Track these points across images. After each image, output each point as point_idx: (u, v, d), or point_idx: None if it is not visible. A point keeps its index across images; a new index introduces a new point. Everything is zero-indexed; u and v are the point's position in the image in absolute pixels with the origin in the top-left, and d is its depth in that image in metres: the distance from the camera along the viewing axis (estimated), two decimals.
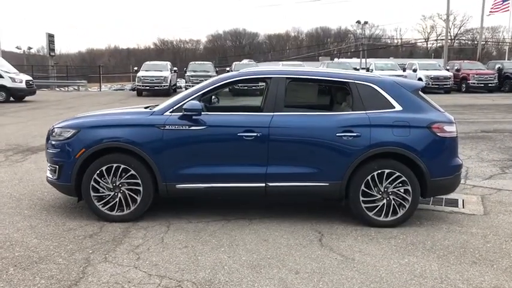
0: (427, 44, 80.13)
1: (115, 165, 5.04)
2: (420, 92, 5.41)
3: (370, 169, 5.01)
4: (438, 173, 5.06)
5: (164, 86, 25.26)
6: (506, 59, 44.52)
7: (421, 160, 4.99)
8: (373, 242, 4.67)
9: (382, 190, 5.04)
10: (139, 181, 5.06)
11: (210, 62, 34.79)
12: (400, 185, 5.04)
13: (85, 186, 5.06)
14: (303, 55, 70.08)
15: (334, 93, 6.10)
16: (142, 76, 25.69)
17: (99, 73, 39.99)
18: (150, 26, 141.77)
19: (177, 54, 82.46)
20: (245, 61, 37.55)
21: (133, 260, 4.15)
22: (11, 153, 9.11)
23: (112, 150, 5.08)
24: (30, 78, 23.95)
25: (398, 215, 5.06)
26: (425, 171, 5.00)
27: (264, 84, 5.97)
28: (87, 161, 5.06)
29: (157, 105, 5.46)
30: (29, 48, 65.01)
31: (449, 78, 27.74)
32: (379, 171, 5.00)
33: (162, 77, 25.47)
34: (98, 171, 5.05)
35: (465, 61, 33.40)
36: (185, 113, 5.04)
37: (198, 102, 5.10)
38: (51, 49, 41.69)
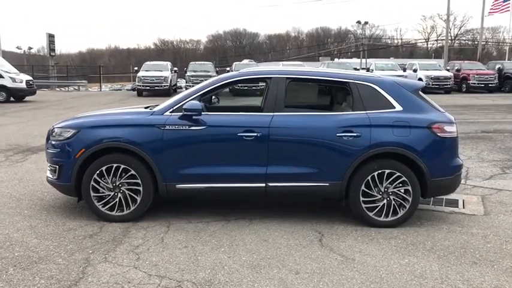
0: (427, 44, 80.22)
1: (115, 165, 5.04)
2: (420, 92, 5.41)
3: (371, 169, 5.00)
4: (438, 173, 5.05)
5: (164, 86, 25.25)
6: (506, 59, 44.49)
7: (421, 160, 4.98)
8: (374, 242, 4.66)
9: (383, 190, 5.03)
10: (139, 181, 5.06)
11: (211, 62, 34.81)
12: (401, 185, 5.03)
13: (85, 186, 5.06)
14: (303, 55, 70.10)
15: (334, 93, 6.09)
16: (142, 76, 25.68)
17: (100, 73, 40.03)
18: (150, 26, 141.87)
19: (177, 54, 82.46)
20: (245, 61, 37.56)
21: (133, 260, 4.14)
22: (11, 153, 9.11)
23: (112, 150, 5.08)
24: (31, 78, 23.96)
25: (399, 215, 5.06)
26: (425, 172, 4.99)
27: (264, 84, 5.96)
28: (87, 161, 5.05)
29: (157, 105, 5.46)
30: (30, 48, 65.16)
31: (450, 78, 27.75)
32: (380, 171, 5.00)
33: (162, 77, 25.47)
34: (97, 171, 5.04)
35: (465, 61, 33.39)
36: (185, 113, 5.04)
37: (198, 102, 5.10)
38: (52, 49, 41.70)
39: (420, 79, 25.75)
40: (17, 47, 63.89)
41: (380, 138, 5.00)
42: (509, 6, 37.67)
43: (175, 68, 29.77)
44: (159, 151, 5.02)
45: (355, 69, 24.99)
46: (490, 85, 27.69)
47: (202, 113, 5.07)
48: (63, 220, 5.18)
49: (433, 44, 78.91)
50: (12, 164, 8.08)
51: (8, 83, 21.43)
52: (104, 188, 5.09)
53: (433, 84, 26.84)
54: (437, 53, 67.33)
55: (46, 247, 4.42)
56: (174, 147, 5.04)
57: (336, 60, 49.65)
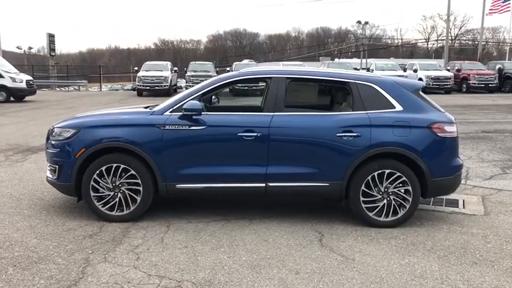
0: (427, 44, 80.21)
1: (115, 165, 5.03)
2: (421, 92, 5.40)
3: (371, 169, 5.00)
4: (439, 173, 5.05)
5: (164, 86, 25.25)
6: (506, 59, 44.52)
7: (421, 160, 4.98)
8: (374, 242, 4.66)
9: (383, 190, 5.03)
10: (139, 181, 5.05)
11: (211, 62, 34.82)
12: (401, 185, 5.03)
13: (85, 186, 5.06)
14: (304, 55, 70.10)
15: (335, 93, 6.09)
16: (142, 76, 25.69)
17: (100, 73, 40.02)
18: (150, 26, 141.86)
19: (177, 54, 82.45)
20: (245, 61, 37.56)
21: (132, 260, 4.14)
22: (11, 153, 9.11)
23: (112, 150, 5.08)
24: (31, 78, 23.96)
25: (399, 215, 5.05)
26: (425, 172, 4.99)
27: (264, 84, 5.96)
28: (87, 161, 5.05)
29: (157, 105, 5.45)
30: (30, 48, 65.15)
31: (450, 78, 27.74)
32: (380, 171, 4.99)
33: (162, 77, 25.47)
34: (97, 171, 5.04)
35: (466, 61, 33.38)
36: (185, 112, 5.04)
37: (198, 102, 5.10)
38: (52, 49, 41.69)
39: (420, 79, 25.74)
40: (17, 47, 63.96)
41: (380, 138, 5.00)
42: (509, 7, 37.66)
43: (176, 68, 29.76)
44: (159, 151, 5.01)
45: (355, 69, 24.98)
46: (490, 85, 27.68)
47: (202, 112, 5.06)
48: (63, 220, 5.18)
49: (433, 44, 78.98)
50: (12, 164, 8.07)
51: (8, 83, 21.43)
52: (103, 188, 5.09)
53: (433, 84, 26.84)
54: (437, 53, 67.33)
55: (46, 247, 4.41)
56: (174, 147, 5.04)
57: (336, 60, 49.62)
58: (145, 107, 5.70)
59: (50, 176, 5.35)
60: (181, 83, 31.98)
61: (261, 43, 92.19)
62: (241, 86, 22.57)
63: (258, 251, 4.40)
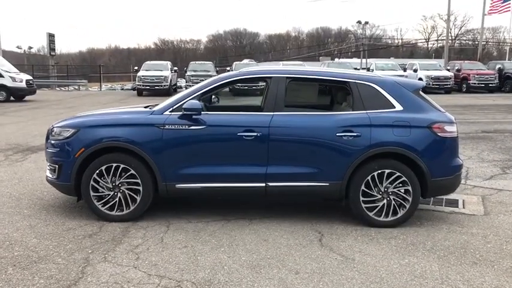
0: (427, 44, 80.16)
1: (114, 164, 5.03)
2: (421, 92, 5.40)
3: (371, 169, 4.99)
4: (439, 173, 5.04)
5: (164, 85, 25.24)
6: (506, 59, 44.51)
7: (421, 160, 4.98)
8: (373, 242, 4.65)
9: (383, 190, 5.02)
10: (139, 181, 5.05)
11: (211, 62, 34.80)
12: (401, 185, 5.02)
13: (84, 185, 5.05)
14: (304, 55, 70.06)
15: (335, 93, 6.08)
16: (142, 76, 25.69)
17: (100, 73, 40.02)
18: (150, 26, 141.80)
19: (177, 54, 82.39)
20: (246, 61, 37.56)
21: (132, 260, 4.14)
22: (10, 152, 9.10)
23: (112, 149, 5.07)
24: (31, 77, 23.95)
25: (399, 215, 5.05)
26: (425, 171, 4.98)
27: (264, 84, 5.95)
28: (86, 161, 5.05)
29: (157, 104, 5.45)
30: (30, 47, 65.05)
31: (450, 78, 27.74)
32: (380, 171, 4.99)
33: (162, 76, 25.47)
34: (97, 171, 5.03)
35: (466, 61, 33.38)
36: (185, 112, 5.03)
37: (197, 101, 5.09)
38: (52, 49, 41.66)
39: (420, 79, 25.72)
40: (17, 47, 63.90)
41: (380, 138, 4.99)
42: (509, 7, 37.64)
43: (176, 68, 29.76)
44: (159, 151, 5.01)
45: (355, 69, 24.97)
46: (490, 85, 27.68)
47: (202, 112, 5.06)
48: (62, 220, 5.18)
49: (433, 44, 78.92)
50: (12, 164, 8.07)
51: (8, 83, 21.43)
52: (103, 188, 5.08)
53: (433, 84, 26.84)
54: (437, 53, 67.29)
55: (45, 247, 4.41)
56: (173, 147, 5.04)
57: (336, 60, 49.60)
58: (145, 107, 5.69)
59: (50, 175, 5.35)
60: (181, 82, 31.97)
61: (261, 43, 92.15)
62: (241, 86, 22.59)
63: (257, 250, 4.39)
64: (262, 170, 5.02)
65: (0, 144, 9.97)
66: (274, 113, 5.10)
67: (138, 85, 26.19)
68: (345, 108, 5.46)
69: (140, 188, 5.06)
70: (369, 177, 5.00)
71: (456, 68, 29.71)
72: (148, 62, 28.86)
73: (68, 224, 5.03)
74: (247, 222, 5.15)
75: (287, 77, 5.30)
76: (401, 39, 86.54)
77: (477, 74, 27.98)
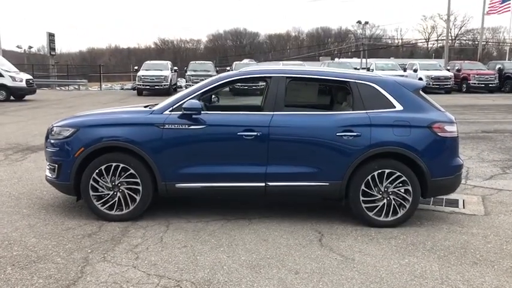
0: (427, 44, 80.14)
1: (114, 164, 5.02)
2: (421, 92, 5.39)
3: (371, 169, 4.98)
4: (439, 173, 5.03)
5: (164, 85, 25.23)
6: (506, 59, 44.49)
7: (421, 160, 4.97)
8: (373, 242, 4.64)
9: (383, 190, 5.02)
10: (138, 180, 5.04)
11: (211, 62, 34.79)
12: (401, 185, 5.02)
13: (84, 185, 5.04)
14: (304, 55, 70.04)
15: (335, 92, 6.07)
16: (142, 75, 25.67)
17: (100, 72, 39.98)
18: (150, 26, 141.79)
19: (177, 54, 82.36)
20: (246, 61, 37.59)
21: (132, 260, 4.13)
22: (10, 152, 9.09)
23: (111, 149, 5.06)
24: (31, 77, 23.93)
25: (399, 215, 5.04)
26: (425, 171, 4.98)
27: (264, 83, 5.94)
28: (86, 160, 5.04)
29: (157, 104, 5.44)
30: (30, 47, 65.13)
31: (450, 78, 27.73)
32: (380, 171, 4.98)
33: (162, 76, 25.45)
34: (97, 170, 5.03)
35: (466, 61, 33.36)
36: (185, 112, 5.02)
37: (197, 101, 5.08)
38: (52, 48, 41.63)
39: (420, 79, 25.70)
40: (17, 46, 63.95)
41: (380, 138, 4.98)
42: (509, 7, 37.62)
43: (176, 68, 29.75)
44: (159, 150, 5.00)
45: (355, 69, 24.97)
46: (490, 85, 27.68)
47: (202, 112, 5.05)
48: (62, 219, 5.17)
49: (433, 44, 78.91)
50: (11, 163, 8.06)
51: (8, 82, 21.42)
52: (103, 187, 5.07)
53: (433, 84, 26.83)
54: (437, 53, 67.28)
55: (45, 246, 4.40)
56: (173, 147, 5.03)
57: (336, 60, 49.61)
58: (145, 106, 5.68)
59: (49, 175, 5.34)
60: (181, 82, 31.96)
61: (261, 43, 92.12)
62: (241, 86, 22.58)
63: (257, 250, 4.39)
64: (262, 169, 5.01)
65: (0, 144, 9.96)
66: (274, 112, 5.09)
67: (138, 85, 26.18)
68: (345, 108, 5.45)
69: (140, 187, 5.06)
70: (369, 177, 4.99)
71: (456, 68, 29.71)
72: (148, 62, 28.85)
73: (67, 224, 5.02)
74: (247, 222, 5.14)
75: (287, 77, 5.29)
76: (401, 39, 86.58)
77: (477, 74, 27.98)
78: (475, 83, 27.83)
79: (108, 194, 5.08)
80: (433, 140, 5.04)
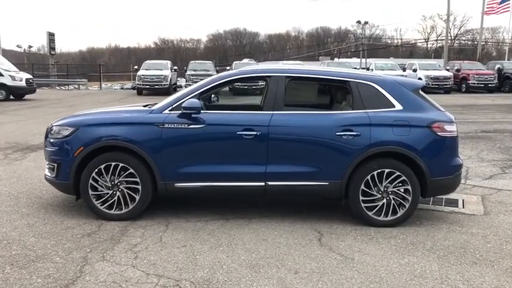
0: (427, 44, 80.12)
1: (113, 163, 5.01)
2: (421, 91, 5.38)
3: (370, 168, 4.98)
4: (438, 172, 5.03)
5: (164, 85, 25.24)
6: (506, 59, 44.42)
7: (421, 159, 4.96)
8: (373, 241, 4.64)
9: (382, 190, 5.01)
10: (138, 180, 5.03)
11: (211, 61, 34.78)
12: (400, 184, 5.01)
13: (83, 184, 5.04)
14: (303, 55, 70.02)
15: (334, 92, 6.07)
16: (142, 75, 25.67)
17: (100, 72, 39.96)
18: (150, 26, 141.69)
19: (177, 54, 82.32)
20: (245, 60, 37.54)
21: (131, 259, 4.12)
22: (10, 151, 9.08)
23: (111, 148, 5.06)
24: (30, 76, 23.92)
25: (398, 214, 5.04)
26: (425, 171, 4.97)
27: (263, 83, 5.94)
28: (85, 159, 5.03)
29: (156, 103, 5.43)
30: (30, 46, 65.05)
31: (449, 78, 27.73)
32: (379, 170, 4.97)
33: (162, 75, 25.46)
34: (96, 170, 5.02)
35: (465, 61, 33.36)
36: (184, 111, 5.01)
37: (197, 100, 5.07)
38: (52, 48, 41.60)
39: (420, 79, 25.60)
40: (17, 46, 63.86)
41: (380, 137, 4.98)
42: (507, 7, 37.62)
43: (175, 67, 29.74)
44: (158, 149, 4.99)
45: (355, 68, 24.96)
46: (489, 85, 27.68)
47: (202, 111, 5.04)
48: (61, 218, 5.16)
49: (432, 44, 78.90)
50: (11, 162, 8.05)
51: (8, 81, 21.42)
52: (102, 187, 5.07)
53: (432, 84, 26.81)
54: (437, 53, 67.29)
55: (44, 245, 4.39)
56: (173, 146, 5.02)
57: (336, 59, 49.61)
58: (144, 106, 5.67)
59: (49, 174, 5.33)
60: (181, 82, 31.94)
61: (261, 42, 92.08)
62: (241, 85, 22.55)
63: (257, 250, 4.38)
64: (261, 169, 5.00)
65: None
66: (274, 112, 5.08)
67: (138, 84, 26.19)
68: (344, 108, 5.44)
69: (139, 187, 5.05)
70: (368, 177, 4.98)
71: (455, 68, 29.70)
72: (148, 61, 28.86)
73: (67, 223, 5.01)
74: (247, 222, 5.14)
75: (287, 76, 5.28)
76: (401, 39, 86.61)
77: (476, 74, 27.98)
78: (474, 83, 27.83)
79: (108, 194, 5.07)
80: (432, 140, 5.04)
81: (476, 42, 55.20)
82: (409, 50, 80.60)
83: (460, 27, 76.64)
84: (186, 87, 21.28)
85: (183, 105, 5.02)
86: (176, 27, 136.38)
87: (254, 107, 5.98)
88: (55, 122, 5.46)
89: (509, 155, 9.04)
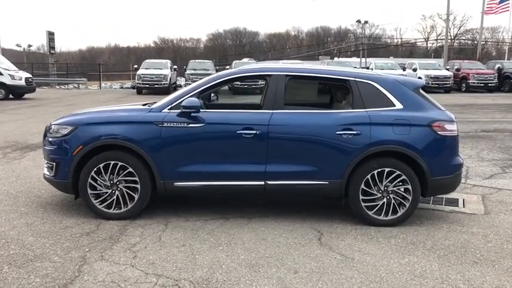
0: (427, 43, 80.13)
1: (112, 162, 4.99)
2: (421, 90, 5.36)
3: (370, 168, 4.96)
4: (439, 171, 5.01)
5: (164, 84, 25.24)
6: (506, 59, 44.44)
7: (421, 159, 4.94)
8: (373, 241, 4.62)
9: (382, 189, 4.99)
10: (137, 179, 5.01)
11: (210, 61, 34.75)
12: (400, 183, 4.99)
13: (82, 183, 5.02)
14: (303, 54, 70.06)
15: (334, 91, 6.05)
16: (142, 74, 25.66)
17: (99, 71, 39.94)
18: (150, 25, 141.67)
19: (177, 53, 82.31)
20: (245, 60, 37.50)
21: (130, 259, 4.10)
22: (9, 150, 9.06)
23: (110, 147, 5.03)
24: (30, 75, 23.92)
25: (399, 214, 5.02)
26: (425, 170, 4.95)
27: (263, 82, 5.92)
28: (84, 158, 5.01)
29: (156, 102, 5.41)
30: (29, 46, 65.18)
31: (449, 77, 27.72)
32: (379, 169, 4.95)
33: (162, 75, 25.46)
34: (95, 169, 5.00)
35: (465, 61, 33.38)
36: (183, 110, 4.99)
37: (196, 99, 5.05)
38: (51, 47, 41.61)
39: (420, 78, 25.67)
40: (17, 45, 63.90)
41: (380, 137, 4.96)
42: (507, 7, 37.61)
43: (175, 66, 29.74)
44: (157, 148, 4.97)
45: (355, 68, 24.93)
46: (489, 85, 27.69)
47: (201, 110, 5.02)
48: (60, 218, 5.14)
49: (432, 44, 78.95)
50: (10, 161, 8.03)
51: (7, 80, 21.41)
52: (101, 186, 5.04)
53: (432, 84, 26.81)
54: (436, 53, 67.30)
55: (42, 245, 4.37)
56: (172, 145, 5.00)
57: (336, 59, 49.61)
58: (144, 105, 5.65)
59: (47, 173, 5.31)
60: (181, 81, 31.95)
61: (260, 42, 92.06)
62: (241, 84, 22.52)
63: (256, 249, 4.36)
64: (261, 168, 4.98)
65: None
66: (274, 111, 5.06)
67: (137, 83, 26.18)
68: (344, 107, 5.42)
69: (138, 186, 5.03)
70: (368, 176, 4.96)
71: (455, 67, 29.68)
72: (148, 61, 28.83)
73: (65, 222, 4.99)
74: (246, 221, 5.12)
75: (286, 75, 5.26)
76: (401, 38, 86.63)
77: (476, 74, 27.99)
78: (474, 83, 27.83)
79: (107, 193, 5.05)
80: (433, 139, 5.02)
81: (476, 42, 55.22)
82: (409, 50, 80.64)
83: (460, 27, 76.73)
84: (185, 86, 21.31)
85: (182, 104, 5.00)
86: (176, 26, 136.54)
87: (254, 106, 5.96)
88: (54, 121, 5.44)
89: (510, 154, 9.03)
